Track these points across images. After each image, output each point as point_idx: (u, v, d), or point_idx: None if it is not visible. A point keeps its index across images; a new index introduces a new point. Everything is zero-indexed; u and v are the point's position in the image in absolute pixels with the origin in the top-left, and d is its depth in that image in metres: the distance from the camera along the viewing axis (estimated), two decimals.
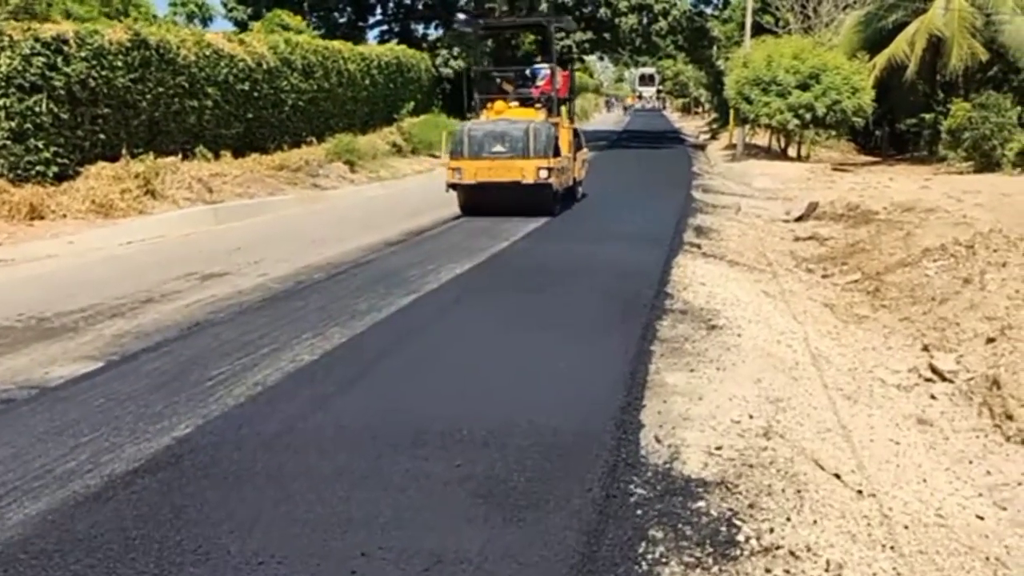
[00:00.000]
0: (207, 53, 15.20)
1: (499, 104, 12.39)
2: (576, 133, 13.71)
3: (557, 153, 11.61)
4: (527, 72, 13.65)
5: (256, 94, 16.83)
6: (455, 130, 12.24)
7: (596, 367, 4.82)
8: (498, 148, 11.29)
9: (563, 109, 12.91)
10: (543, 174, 11.15)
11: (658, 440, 3.80)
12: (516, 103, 12.43)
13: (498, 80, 13.64)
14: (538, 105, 12.30)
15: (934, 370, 6.04)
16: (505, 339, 5.53)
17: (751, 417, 4.15)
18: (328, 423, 3.99)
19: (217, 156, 15.11)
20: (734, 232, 11.10)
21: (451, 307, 6.44)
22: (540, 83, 12.98)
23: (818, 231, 12.31)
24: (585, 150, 14.98)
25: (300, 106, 18.68)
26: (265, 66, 17.18)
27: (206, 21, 25.00)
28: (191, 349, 5.28)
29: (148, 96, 13.50)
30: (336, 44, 21.34)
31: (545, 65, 13.51)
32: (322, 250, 9.13)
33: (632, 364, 4.83)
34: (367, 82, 22.49)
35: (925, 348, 6.42)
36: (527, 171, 11.11)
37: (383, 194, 16.80)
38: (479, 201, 11.67)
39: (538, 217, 11.18)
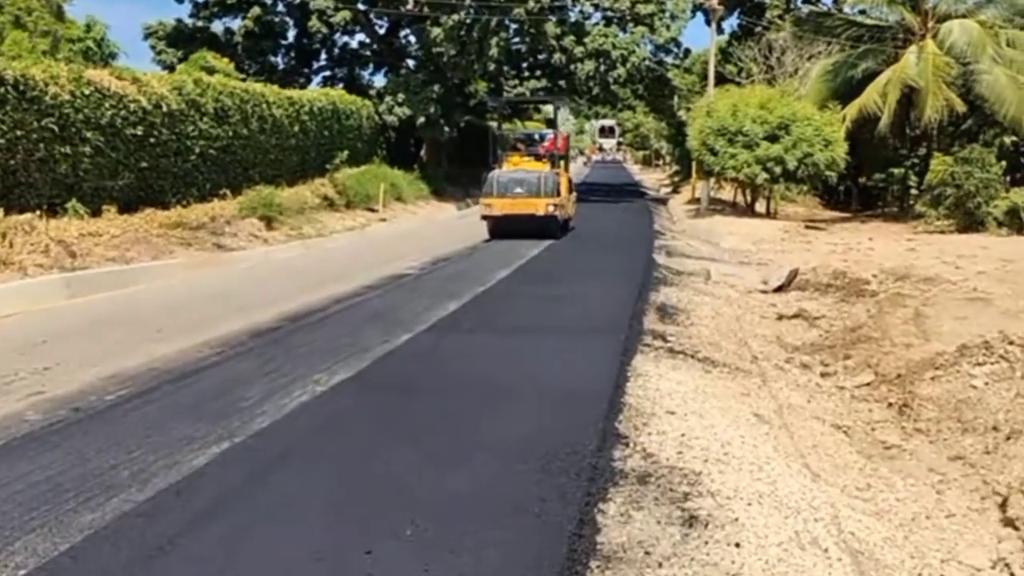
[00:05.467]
0: (86, 92, 12.84)
1: (515, 158, 16.86)
2: (570, 180, 18.07)
3: (559, 194, 15.65)
4: (536, 136, 19.23)
5: (152, 140, 14.45)
6: (489, 175, 16.10)
7: None
8: (518, 190, 15.39)
9: (561, 163, 17.49)
10: (551, 208, 15.29)
11: None
12: (528, 157, 16.93)
13: (513, 141, 18.74)
14: (544, 159, 16.83)
15: None
16: (309, 562, 3.15)
17: None
18: None
19: (98, 212, 12.65)
20: (706, 311, 8.95)
21: (265, 473, 3.99)
22: (546, 143, 17.81)
23: (804, 306, 10.26)
24: (575, 194, 19.23)
25: (211, 155, 16.33)
26: (165, 108, 14.84)
27: (107, 60, 22.48)
28: None
29: (0, 140, 11.10)
30: (258, 87, 19.12)
31: (549, 131, 19.13)
32: (158, 343, 6.74)
33: None
34: (296, 129, 20.27)
35: (1010, 523, 4.22)
36: (539, 206, 15.21)
37: (297, 255, 14.47)
38: (503, 228, 15.53)
39: (529, 252, 13.59)
